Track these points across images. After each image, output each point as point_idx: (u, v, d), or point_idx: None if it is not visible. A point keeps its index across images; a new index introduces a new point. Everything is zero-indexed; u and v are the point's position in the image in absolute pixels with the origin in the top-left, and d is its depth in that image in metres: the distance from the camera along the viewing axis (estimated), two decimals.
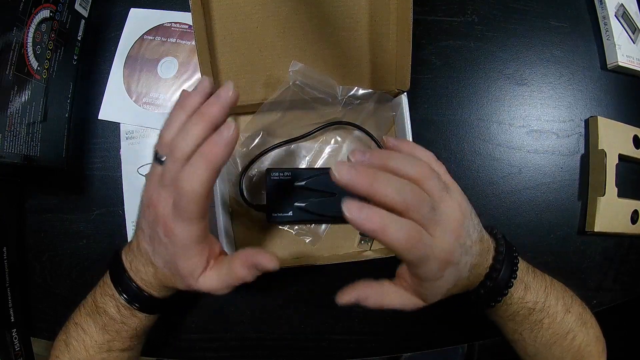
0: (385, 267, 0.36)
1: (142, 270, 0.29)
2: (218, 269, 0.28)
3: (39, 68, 0.38)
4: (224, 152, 0.24)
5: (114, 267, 0.30)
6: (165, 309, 0.33)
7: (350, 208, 0.22)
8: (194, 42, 0.34)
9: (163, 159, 0.27)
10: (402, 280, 0.29)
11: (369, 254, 0.39)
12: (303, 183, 0.37)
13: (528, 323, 0.31)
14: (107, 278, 0.31)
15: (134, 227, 0.42)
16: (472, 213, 0.29)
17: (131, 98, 0.44)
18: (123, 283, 0.29)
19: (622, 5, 0.49)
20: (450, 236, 0.26)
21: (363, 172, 0.23)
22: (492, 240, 0.30)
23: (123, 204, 0.42)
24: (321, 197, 0.38)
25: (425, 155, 0.30)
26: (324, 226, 0.41)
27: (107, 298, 0.30)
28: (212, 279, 0.28)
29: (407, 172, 0.25)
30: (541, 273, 0.33)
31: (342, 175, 0.22)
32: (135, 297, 0.30)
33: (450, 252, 0.26)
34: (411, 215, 0.24)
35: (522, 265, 0.31)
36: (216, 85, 0.38)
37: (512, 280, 0.29)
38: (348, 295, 0.28)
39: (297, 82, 0.37)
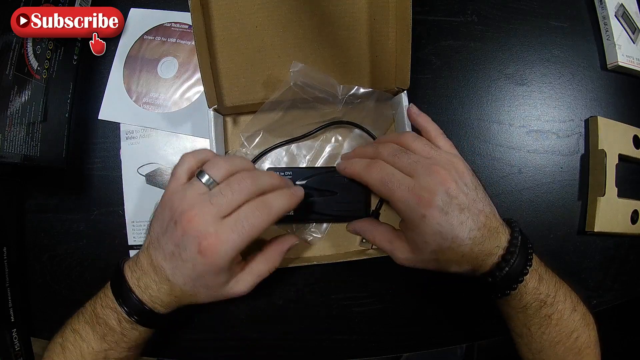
0: (386, 266, 0.36)
1: (154, 288, 0.29)
2: (249, 269, 0.30)
3: (39, 68, 0.38)
4: (297, 202, 0.31)
5: (116, 282, 0.30)
6: (168, 323, 0.32)
7: (338, 164, 0.36)
8: (194, 42, 0.34)
9: (211, 181, 0.28)
10: (399, 231, 0.33)
11: (371, 253, 0.38)
12: (304, 182, 0.37)
13: (538, 317, 0.31)
14: (108, 290, 0.30)
15: (133, 227, 0.42)
16: (477, 182, 0.31)
17: (131, 98, 0.44)
18: (126, 299, 0.29)
19: (622, 5, 0.49)
20: (433, 178, 0.29)
21: (353, 151, 0.37)
22: (507, 227, 0.31)
23: (123, 204, 0.42)
24: (322, 196, 0.38)
25: (434, 128, 0.35)
26: (325, 225, 0.41)
27: (108, 310, 0.30)
28: (245, 280, 0.30)
29: (392, 140, 0.34)
30: (550, 269, 0.33)
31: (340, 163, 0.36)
32: (139, 313, 0.29)
33: (431, 191, 0.28)
34: (385, 158, 0.31)
35: (535, 257, 0.31)
36: (216, 87, 0.38)
37: (528, 267, 0.30)
38: (353, 225, 0.37)
39: (298, 83, 0.37)
